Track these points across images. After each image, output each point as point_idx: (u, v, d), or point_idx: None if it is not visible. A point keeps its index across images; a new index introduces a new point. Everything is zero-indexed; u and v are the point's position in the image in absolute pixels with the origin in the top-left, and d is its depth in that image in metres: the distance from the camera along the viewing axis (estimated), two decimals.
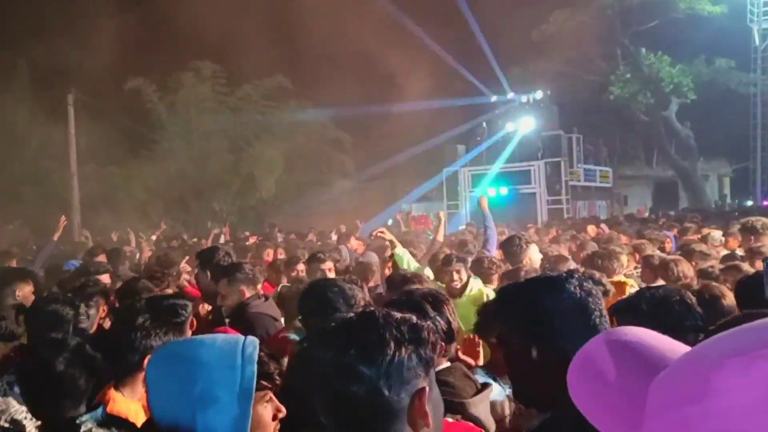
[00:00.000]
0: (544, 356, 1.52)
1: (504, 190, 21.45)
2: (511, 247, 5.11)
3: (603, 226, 11.69)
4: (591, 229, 11.30)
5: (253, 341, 1.43)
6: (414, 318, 1.22)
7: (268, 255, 8.00)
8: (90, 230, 16.27)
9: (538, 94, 23.32)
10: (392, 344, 1.14)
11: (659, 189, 30.71)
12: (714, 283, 3.32)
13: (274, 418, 1.47)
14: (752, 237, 5.67)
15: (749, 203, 24.76)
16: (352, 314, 1.21)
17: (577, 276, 1.65)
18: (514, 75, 25.29)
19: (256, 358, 1.39)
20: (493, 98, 24.26)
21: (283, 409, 1.49)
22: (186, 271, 6.69)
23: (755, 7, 27.37)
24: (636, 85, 26.97)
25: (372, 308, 1.25)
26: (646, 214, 19.83)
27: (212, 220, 23.30)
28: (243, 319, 3.65)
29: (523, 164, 21.89)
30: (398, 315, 1.20)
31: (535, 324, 1.55)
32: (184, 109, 23.51)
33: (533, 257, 5.13)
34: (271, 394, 1.47)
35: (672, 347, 0.71)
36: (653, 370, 0.65)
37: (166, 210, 22.90)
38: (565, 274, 1.67)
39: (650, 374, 0.65)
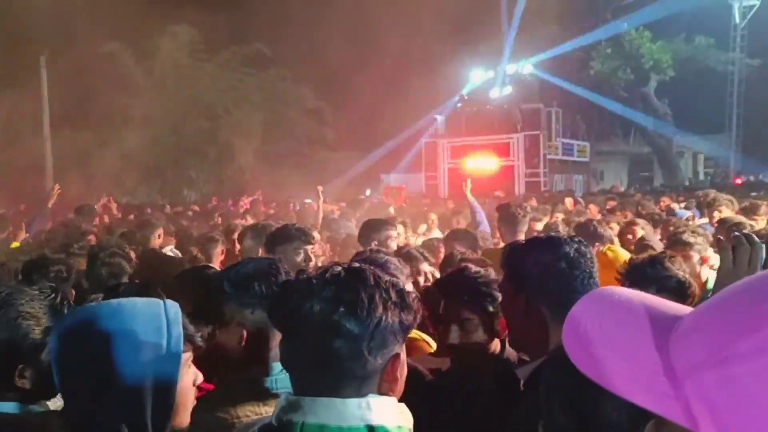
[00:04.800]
0: (533, 307, 1.72)
1: (482, 162, 21.53)
2: (508, 212, 4.81)
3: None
4: (568, 202, 11.42)
5: (174, 303, 1.35)
6: (401, 282, 1.21)
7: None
8: (63, 196, 16.01)
9: (526, 69, 23.32)
10: (381, 307, 1.13)
11: (635, 165, 31.05)
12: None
13: (194, 383, 1.42)
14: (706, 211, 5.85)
15: (717, 180, 25.16)
16: (340, 269, 1.19)
17: (576, 239, 1.84)
18: (496, 47, 25.20)
19: (180, 319, 1.32)
20: (474, 71, 24.21)
21: (201, 376, 1.43)
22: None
23: None
24: (616, 61, 27.05)
25: (362, 266, 1.23)
26: (621, 189, 20.07)
27: (188, 188, 23.11)
28: None
29: (502, 136, 21.95)
30: (387, 277, 1.20)
31: (529, 277, 1.74)
32: (161, 74, 23.08)
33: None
34: (191, 358, 1.40)
35: (667, 304, 0.70)
36: (663, 330, 0.64)
37: (141, 177, 22.62)
38: (564, 237, 1.87)
39: (661, 333, 0.63)
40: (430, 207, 11.17)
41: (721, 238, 1.74)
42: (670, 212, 8.69)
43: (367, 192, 20.53)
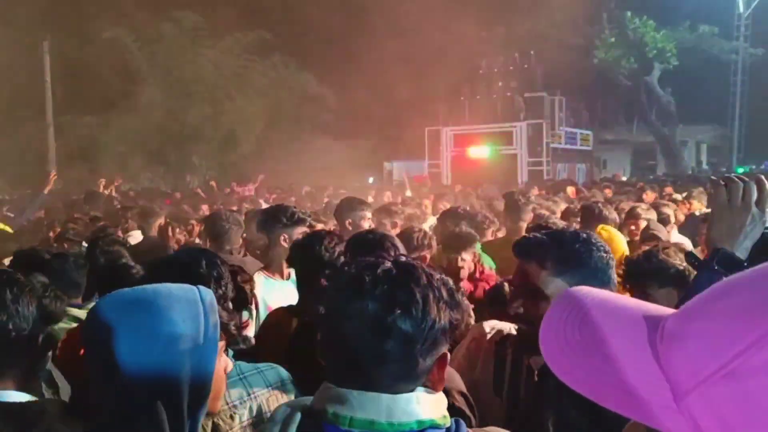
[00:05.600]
0: None
1: (485, 151, 21.54)
2: (511, 200, 4.93)
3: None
4: (570, 190, 11.47)
5: (208, 290, 1.32)
6: (450, 280, 1.18)
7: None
8: (66, 182, 16.04)
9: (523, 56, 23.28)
10: (435, 308, 1.09)
11: (638, 154, 31.01)
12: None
13: (224, 371, 1.41)
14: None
15: (723, 170, 25.15)
16: (390, 265, 1.13)
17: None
18: (500, 35, 25.10)
19: (216, 307, 1.30)
20: (482, 60, 24.14)
21: (231, 364, 1.41)
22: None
23: None
24: (620, 50, 26.96)
25: (412, 261, 1.17)
26: (624, 179, 20.07)
27: (191, 173, 23.15)
28: None
29: (505, 125, 21.92)
30: (437, 275, 1.15)
31: (594, 271, 1.68)
32: (165, 60, 23.03)
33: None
34: (224, 347, 1.39)
35: (641, 304, 0.66)
36: (651, 332, 0.60)
37: (144, 163, 22.66)
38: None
39: (651, 336, 0.60)
40: (427, 195, 11.14)
41: (714, 178, 1.74)
42: (674, 201, 8.73)
43: (370, 180, 20.58)
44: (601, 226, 4.18)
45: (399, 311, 1.06)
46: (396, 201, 9.03)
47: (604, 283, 1.67)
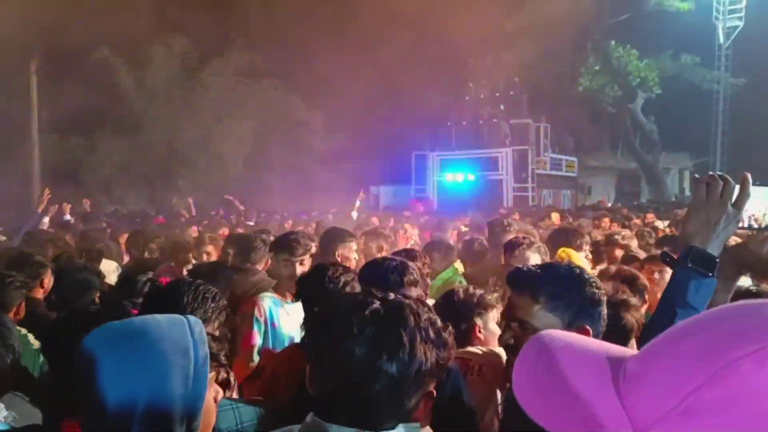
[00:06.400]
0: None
1: (471, 176, 21.67)
2: (494, 228, 5.10)
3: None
4: (555, 217, 11.55)
5: (197, 321, 1.31)
6: (438, 320, 1.18)
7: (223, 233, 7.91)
8: (50, 203, 15.87)
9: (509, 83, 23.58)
10: (421, 350, 1.10)
11: (622, 180, 31.32)
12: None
13: (215, 400, 1.39)
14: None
15: None
16: (378, 306, 1.14)
17: None
18: (487, 63, 25.43)
19: (206, 338, 1.28)
20: (470, 84, 24.41)
21: (221, 392, 1.41)
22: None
23: (721, 5, 28.03)
24: (604, 78, 27.39)
25: (402, 302, 1.18)
26: (609, 205, 20.25)
27: (177, 196, 23.02)
28: None
29: (491, 151, 22.11)
30: (426, 314, 1.16)
31: (585, 308, 1.69)
32: (153, 82, 23.06)
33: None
34: (214, 377, 1.39)
35: (604, 346, 0.69)
36: (614, 373, 0.63)
37: (130, 185, 22.54)
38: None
39: (614, 377, 0.62)
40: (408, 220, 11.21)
41: (697, 176, 1.71)
42: (654, 229, 8.83)
43: (357, 203, 20.57)
44: (561, 249, 4.23)
45: (386, 356, 1.08)
46: (387, 224, 9.13)
47: (594, 319, 1.68)
